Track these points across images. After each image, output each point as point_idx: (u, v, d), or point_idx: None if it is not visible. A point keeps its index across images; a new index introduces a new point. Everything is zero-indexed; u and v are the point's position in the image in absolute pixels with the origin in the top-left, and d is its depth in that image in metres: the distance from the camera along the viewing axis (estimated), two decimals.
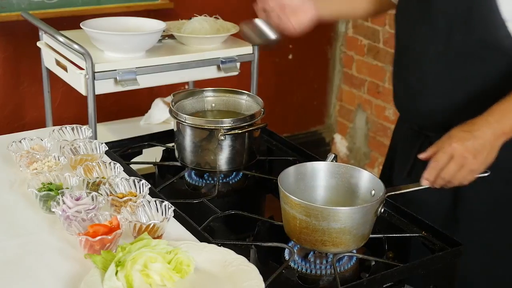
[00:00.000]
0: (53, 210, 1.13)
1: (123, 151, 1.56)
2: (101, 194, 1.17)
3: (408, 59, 1.34)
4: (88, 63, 1.84)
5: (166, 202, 1.14)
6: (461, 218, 1.35)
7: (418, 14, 1.30)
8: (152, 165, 1.56)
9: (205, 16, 2.14)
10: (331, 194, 1.26)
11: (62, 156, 1.31)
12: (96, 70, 1.86)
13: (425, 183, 1.17)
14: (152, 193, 1.26)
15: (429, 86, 1.29)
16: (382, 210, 1.17)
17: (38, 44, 2.15)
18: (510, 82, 1.21)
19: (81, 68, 1.90)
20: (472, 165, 1.14)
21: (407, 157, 1.41)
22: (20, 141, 1.36)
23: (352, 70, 3.12)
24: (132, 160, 1.56)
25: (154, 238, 1.08)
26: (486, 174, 1.18)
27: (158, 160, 1.58)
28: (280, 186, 1.16)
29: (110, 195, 1.18)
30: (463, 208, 1.34)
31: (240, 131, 1.41)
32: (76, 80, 1.91)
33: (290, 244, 1.21)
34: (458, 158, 1.13)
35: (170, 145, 1.59)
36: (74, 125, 1.44)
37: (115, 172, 1.27)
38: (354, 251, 1.19)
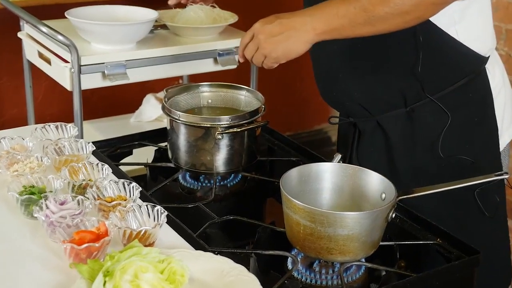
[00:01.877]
0: (35, 215, 1.13)
1: (111, 151, 1.56)
2: (88, 198, 1.17)
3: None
4: (74, 56, 1.84)
5: (158, 207, 1.14)
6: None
7: None
8: (143, 166, 1.56)
9: (201, 4, 2.14)
10: (338, 198, 1.26)
11: (45, 157, 1.31)
12: (82, 63, 1.86)
13: (239, 60, 1.28)
14: (143, 197, 1.26)
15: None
16: (394, 215, 1.17)
17: (19, 34, 2.15)
18: None
19: (66, 61, 1.90)
20: (263, 49, 1.22)
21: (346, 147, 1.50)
22: None
23: None
24: (121, 161, 1.57)
25: (145, 245, 1.08)
26: (504, 177, 1.18)
27: (149, 161, 1.58)
28: (282, 189, 1.16)
29: (98, 199, 1.18)
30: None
31: (238, 130, 1.41)
32: (61, 74, 1.91)
33: (293, 252, 1.21)
34: (255, 38, 1.22)
35: (163, 144, 1.59)
36: (58, 123, 1.44)
37: (103, 174, 1.27)
38: (363, 260, 1.19)
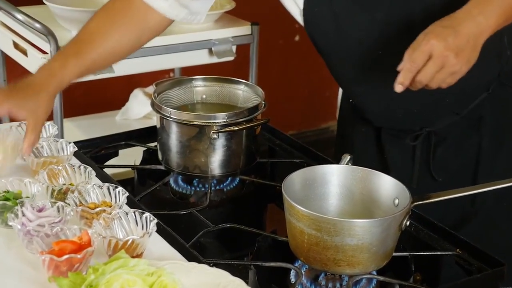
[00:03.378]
0: (10, 223, 1.13)
1: (95, 152, 1.56)
2: (69, 204, 1.17)
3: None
4: (53, 46, 1.84)
5: (147, 214, 1.14)
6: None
7: None
8: (130, 169, 1.56)
9: None
10: (346, 204, 1.26)
11: (21, 159, 1.31)
12: None
13: (398, 89, 1.16)
14: (130, 203, 1.26)
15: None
16: (408, 223, 1.17)
17: None
18: None
19: (44, 52, 1.90)
20: (454, 66, 1.15)
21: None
22: None
23: None
24: (106, 163, 1.56)
25: (132, 257, 1.08)
26: None
27: (137, 163, 1.58)
28: (284, 194, 1.17)
29: (80, 206, 1.18)
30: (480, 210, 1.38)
31: (236, 128, 1.41)
32: (38, 66, 1.91)
33: (296, 264, 1.21)
34: (438, 57, 1.14)
35: (152, 145, 1.59)
36: None
37: (85, 177, 1.27)
38: (374, 273, 1.19)
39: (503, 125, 1.43)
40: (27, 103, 1.28)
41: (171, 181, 1.49)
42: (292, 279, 1.19)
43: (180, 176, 1.49)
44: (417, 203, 1.19)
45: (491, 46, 1.22)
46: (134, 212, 1.14)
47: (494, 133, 1.42)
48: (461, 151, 1.44)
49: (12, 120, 1.37)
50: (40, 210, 1.15)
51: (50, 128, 1.43)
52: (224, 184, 1.49)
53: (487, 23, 1.16)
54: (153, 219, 1.13)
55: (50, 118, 1.90)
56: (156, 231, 1.15)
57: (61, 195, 1.23)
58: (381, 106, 1.42)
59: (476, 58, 1.16)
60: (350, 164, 1.27)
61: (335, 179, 1.26)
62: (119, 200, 1.21)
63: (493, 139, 1.42)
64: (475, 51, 1.15)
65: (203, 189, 1.48)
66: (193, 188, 1.48)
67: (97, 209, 1.17)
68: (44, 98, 1.31)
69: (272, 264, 1.20)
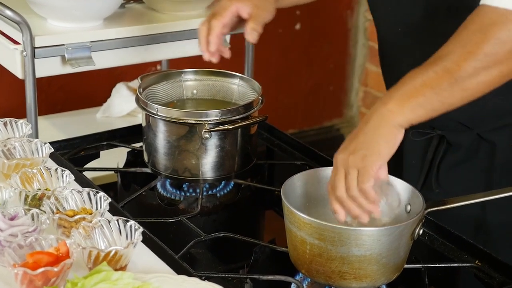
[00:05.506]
0: None
1: (73, 154, 1.56)
2: (45, 212, 1.17)
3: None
4: (26, 36, 1.84)
5: (132, 222, 1.14)
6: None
7: None
8: (113, 172, 1.56)
9: None
10: None
11: None
12: (36, 45, 1.86)
13: (340, 217, 1.17)
14: (113, 210, 1.26)
15: None
16: (421, 231, 1.17)
17: None
18: None
19: (16, 43, 1.89)
20: (354, 160, 1.15)
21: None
22: None
23: None
24: (86, 166, 1.57)
25: (115, 269, 1.08)
26: None
27: (121, 165, 1.58)
28: (284, 200, 1.17)
29: (57, 213, 1.18)
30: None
31: (230, 127, 1.42)
32: (10, 58, 1.91)
33: (297, 278, 1.21)
34: (340, 167, 1.16)
35: (137, 145, 1.59)
36: (7, 119, 1.44)
37: (63, 182, 1.28)
38: (384, 287, 1.19)
39: None
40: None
41: (159, 186, 1.50)
42: None
43: (168, 180, 1.50)
44: (431, 209, 1.19)
45: None
46: (117, 220, 1.14)
47: (508, 162, 1.41)
48: (472, 164, 1.44)
49: None
50: (12, 218, 1.15)
51: (23, 127, 1.43)
52: (217, 189, 1.49)
53: (392, 112, 1.16)
54: (139, 227, 1.14)
55: (23, 115, 1.90)
56: (142, 241, 1.16)
57: (35, 201, 1.23)
58: None
59: (377, 146, 1.15)
60: None
61: None
62: (101, 207, 1.21)
63: (506, 168, 1.42)
64: (375, 134, 1.16)
65: (193, 194, 1.48)
66: (183, 193, 1.48)
67: (76, 217, 1.17)
68: None
69: (271, 277, 1.20)
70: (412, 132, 1.46)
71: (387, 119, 1.16)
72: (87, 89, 2.72)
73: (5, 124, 1.43)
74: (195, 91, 1.57)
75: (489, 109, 1.38)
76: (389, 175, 1.24)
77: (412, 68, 1.18)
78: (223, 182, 1.49)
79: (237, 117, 1.42)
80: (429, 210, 1.19)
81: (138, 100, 1.47)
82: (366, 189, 1.13)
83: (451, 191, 1.42)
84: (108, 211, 1.22)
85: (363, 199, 1.14)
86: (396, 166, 1.33)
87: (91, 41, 1.93)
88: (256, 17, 1.42)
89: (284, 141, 1.64)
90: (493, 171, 1.42)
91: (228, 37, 2.14)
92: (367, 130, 1.16)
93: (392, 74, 1.46)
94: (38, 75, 1.89)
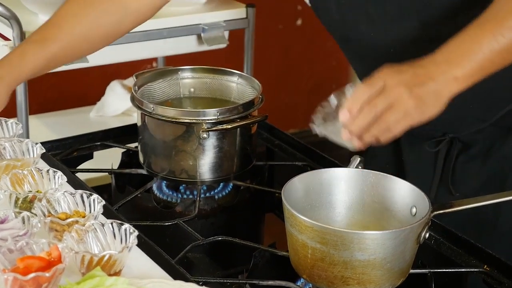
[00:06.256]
0: None
1: (66, 155, 1.56)
2: (36, 215, 1.17)
3: None
4: (16, 31, 1.84)
5: (126, 225, 1.14)
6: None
7: None
8: (107, 173, 1.56)
9: None
10: (356, 213, 1.27)
11: None
12: None
13: (343, 117, 1.12)
14: (107, 213, 1.26)
15: None
16: (427, 235, 1.17)
17: None
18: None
19: (6, 39, 1.90)
20: (403, 105, 1.12)
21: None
22: None
23: None
24: (79, 167, 1.57)
25: (109, 275, 1.08)
26: None
27: (115, 166, 1.58)
28: (284, 202, 1.17)
29: (49, 216, 1.18)
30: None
31: (229, 126, 1.41)
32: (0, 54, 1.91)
33: (299, 283, 1.21)
34: (387, 92, 1.12)
35: (132, 145, 1.59)
36: None
37: (55, 183, 1.27)
38: None
39: None
40: None
41: (154, 188, 1.49)
42: None
43: (165, 182, 1.49)
44: (438, 212, 1.19)
45: None
46: (112, 224, 1.14)
47: None
48: (487, 163, 1.43)
49: None
50: (2, 222, 1.15)
51: (13, 127, 1.43)
52: (216, 191, 1.49)
53: (452, 72, 1.13)
54: (134, 231, 1.13)
55: (14, 114, 1.90)
56: (137, 245, 1.15)
57: (26, 204, 1.22)
58: None
59: (426, 109, 1.14)
60: (360, 167, 1.28)
61: (343, 185, 1.27)
62: (94, 210, 1.21)
63: None
64: (428, 98, 1.13)
65: (191, 196, 1.48)
66: (180, 196, 1.48)
67: (69, 220, 1.16)
68: None
69: (271, 282, 1.20)
70: (428, 143, 1.45)
71: (447, 88, 1.14)
72: (80, 87, 2.73)
73: None
74: (192, 89, 1.57)
75: (504, 97, 1.38)
76: (394, 177, 1.25)
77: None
78: (221, 183, 1.49)
79: (236, 116, 1.42)
80: (436, 212, 1.18)
81: (133, 99, 1.47)
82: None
83: (469, 192, 1.42)
84: (102, 214, 1.22)
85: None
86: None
87: None
88: None
89: (284, 141, 1.64)
90: (509, 166, 1.42)
91: (226, 33, 2.14)
92: (427, 83, 1.12)
93: (365, 68, 1.44)
94: None
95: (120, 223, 1.14)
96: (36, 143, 1.37)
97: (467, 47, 1.15)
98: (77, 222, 1.16)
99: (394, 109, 1.11)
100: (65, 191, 1.22)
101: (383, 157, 1.53)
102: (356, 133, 1.13)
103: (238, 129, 1.44)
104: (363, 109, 1.11)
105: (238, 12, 2.15)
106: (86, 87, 2.70)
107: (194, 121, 1.40)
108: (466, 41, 1.15)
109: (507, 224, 1.43)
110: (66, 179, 1.29)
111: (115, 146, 1.61)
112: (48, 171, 1.29)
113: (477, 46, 1.14)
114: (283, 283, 1.20)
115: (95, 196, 1.22)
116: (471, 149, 1.44)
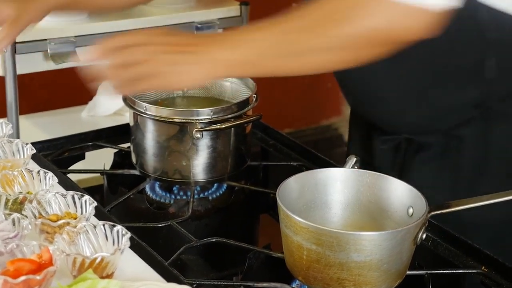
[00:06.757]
0: None
1: (57, 155, 1.56)
2: (26, 217, 1.17)
3: None
4: None
5: (119, 227, 1.14)
6: None
7: None
8: (99, 174, 1.56)
9: None
10: (352, 214, 1.27)
11: None
12: (17, 40, 1.86)
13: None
14: (99, 214, 1.26)
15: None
16: (424, 235, 1.17)
17: None
18: None
19: None
20: (155, 62, 1.15)
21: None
22: None
23: None
24: (70, 168, 1.56)
25: (101, 277, 1.08)
26: None
27: (107, 167, 1.58)
28: (279, 203, 1.17)
29: (39, 218, 1.18)
30: None
31: (223, 126, 1.41)
32: None
33: (294, 285, 1.21)
34: (146, 44, 1.16)
35: (125, 146, 1.59)
36: None
37: (46, 184, 1.27)
38: None
39: (485, 151, 1.42)
40: None
41: (147, 188, 1.49)
42: None
43: (158, 183, 1.49)
44: (435, 212, 1.19)
45: (470, 68, 1.25)
46: (104, 225, 1.14)
47: (475, 156, 1.42)
48: (439, 170, 1.45)
49: None
50: None
51: (3, 127, 1.43)
52: (209, 192, 1.49)
53: (220, 53, 1.14)
54: (126, 233, 1.13)
55: (4, 114, 1.89)
56: (130, 247, 1.15)
57: (16, 205, 1.22)
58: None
59: (180, 78, 1.15)
60: (356, 167, 1.28)
61: (338, 185, 1.27)
62: (86, 211, 1.21)
63: (474, 162, 1.43)
64: (185, 67, 1.14)
65: (184, 197, 1.48)
66: (173, 196, 1.48)
67: (60, 222, 1.16)
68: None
69: (265, 284, 1.20)
70: (382, 139, 1.46)
71: (209, 70, 1.16)
72: (72, 86, 2.71)
73: None
74: (185, 89, 1.56)
75: (451, 105, 1.39)
76: (391, 177, 1.25)
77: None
78: (215, 184, 1.49)
79: (230, 116, 1.42)
80: (433, 213, 1.19)
81: (125, 98, 1.47)
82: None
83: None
84: (93, 215, 1.22)
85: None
86: None
87: (76, 36, 1.94)
88: (13, 21, 1.37)
89: (279, 141, 1.64)
90: (462, 168, 1.42)
91: (220, 31, 2.14)
92: (191, 53, 1.15)
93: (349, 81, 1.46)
94: (19, 71, 1.90)
95: (112, 225, 1.14)
96: (27, 144, 1.37)
97: (251, 37, 1.16)
98: (68, 223, 1.16)
99: (147, 64, 1.15)
100: (56, 192, 1.22)
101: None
102: (101, 57, 1.19)
103: (232, 128, 1.44)
104: (119, 50, 1.17)
105: (232, 10, 2.15)
106: (77, 86, 2.69)
107: (187, 120, 1.40)
108: (253, 31, 1.17)
109: (503, 223, 1.44)
110: (57, 180, 1.28)
111: (107, 147, 1.61)
112: (38, 172, 1.29)
113: (259, 40, 1.15)
114: (278, 285, 1.20)
115: (86, 197, 1.22)
116: (426, 151, 1.45)
